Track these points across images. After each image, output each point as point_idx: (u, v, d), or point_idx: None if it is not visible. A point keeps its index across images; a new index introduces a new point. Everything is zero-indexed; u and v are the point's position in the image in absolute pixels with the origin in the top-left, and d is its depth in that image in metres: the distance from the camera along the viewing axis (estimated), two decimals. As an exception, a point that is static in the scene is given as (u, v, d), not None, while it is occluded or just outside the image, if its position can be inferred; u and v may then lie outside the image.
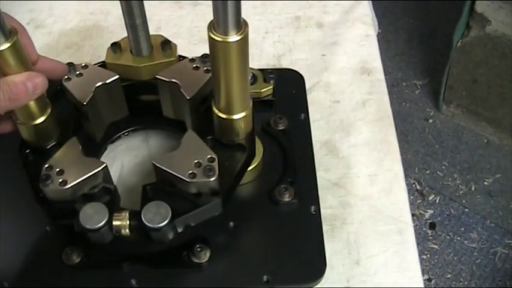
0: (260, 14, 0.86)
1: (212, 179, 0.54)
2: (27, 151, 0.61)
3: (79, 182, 0.55)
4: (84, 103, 0.60)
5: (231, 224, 0.60)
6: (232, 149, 0.60)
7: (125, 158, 0.69)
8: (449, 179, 1.69)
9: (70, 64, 0.63)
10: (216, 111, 0.58)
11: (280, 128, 0.67)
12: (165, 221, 0.53)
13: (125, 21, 0.61)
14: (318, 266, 0.58)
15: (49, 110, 0.59)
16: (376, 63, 0.80)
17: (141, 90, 0.66)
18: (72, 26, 0.85)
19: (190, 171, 0.55)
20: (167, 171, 0.55)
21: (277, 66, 0.79)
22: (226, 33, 0.49)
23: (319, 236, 0.60)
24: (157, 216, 0.53)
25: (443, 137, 1.78)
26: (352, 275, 0.62)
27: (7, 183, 0.64)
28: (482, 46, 1.59)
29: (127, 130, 0.69)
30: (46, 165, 0.56)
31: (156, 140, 0.71)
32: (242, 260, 0.59)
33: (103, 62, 0.65)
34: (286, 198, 0.62)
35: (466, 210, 1.64)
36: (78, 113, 0.62)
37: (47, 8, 0.88)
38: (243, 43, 0.51)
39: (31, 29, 0.85)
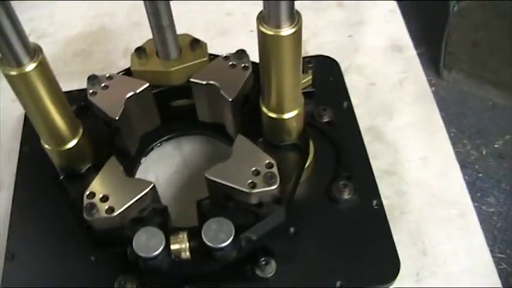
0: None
1: (274, 186, 0.50)
2: (61, 177, 0.56)
3: (127, 207, 0.50)
4: (117, 118, 0.55)
5: (292, 229, 0.56)
6: (285, 150, 0.55)
7: (159, 170, 0.64)
8: (459, 146, 1.66)
9: (93, 77, 0.58)
10: (266, 111, 0.53)
11: (326, 120, 0.63)
12: (229, 238, 0.49)
13: (150, 22, 0.56)
14: (392, 264, 0.54)
15: (81, 130, 0.54)
16: (406, 39, 0.76)
17: (172, 96, 0.60)
18: (77, 32, 0.80)
19: (250, 181, 0.50)
20: (223, 184, 0.50)
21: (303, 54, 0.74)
22: (278, 26, 0.45)
23: (386, 231, 0.56)
24: (220, 234, 0.49)
25: (447, 103, 1.75)
26: (421, 267, 0.58)
27: (44, 214, 0.58)
28: (480, 8, 1.55)
29: (160, 140, 0.64)
30: (87, 193, 0.51)
31: (188, 146, 0.66)
32: (310, 267, 0.54)
33: (127, 69, 0.60)
34: (346, 195, 0.57)
35: (480, 175, 1.62)
36: (109, 129, 0.57)
37: (48, 15, 0.82)
38: (297, 36, 0.46)
39: (33, 39, 0.79)
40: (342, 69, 0.71)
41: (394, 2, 0.80)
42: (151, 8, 0.54)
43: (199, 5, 0.82)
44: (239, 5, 0.81)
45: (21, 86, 0.47)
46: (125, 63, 0.73)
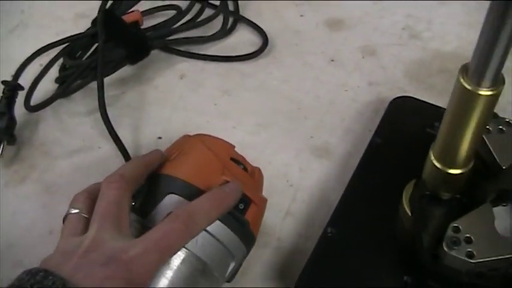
0: None
1: None
2: (427, 192, 0.56)
3: (487, 260, 0.49)
4: (504, 167, 0.53)
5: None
6: None
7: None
8: None
9: (494, 115, 0.56)
10: None
11: None
12: None
13: None
14: None
15: (472, 163, 0.53)
16: None
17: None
18: (450, 49, 0.78)
19: None
20: None
21: None
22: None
23: None
24: None
25: None
26: None
27: (375, 214, 0.58)
28: None
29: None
30: (454, 225, 0.50)
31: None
32: None
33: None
34: None
35: None
36: (489, 173, 0.55)
37: (426, 21, 0.82)
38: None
39: (405, 36, 0.80)
40: None
41: None
42: None
43: None
44: None
45: (466, 104, 0.46)
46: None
